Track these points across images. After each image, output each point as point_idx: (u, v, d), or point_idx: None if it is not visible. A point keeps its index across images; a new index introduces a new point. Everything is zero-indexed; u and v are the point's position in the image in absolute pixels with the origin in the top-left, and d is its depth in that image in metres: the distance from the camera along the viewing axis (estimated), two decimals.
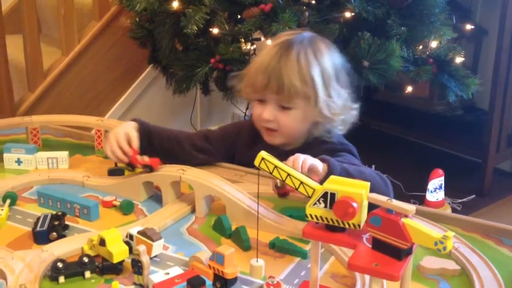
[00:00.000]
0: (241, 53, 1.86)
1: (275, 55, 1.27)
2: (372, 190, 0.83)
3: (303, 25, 1.72)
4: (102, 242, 0.97)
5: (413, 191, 2.52)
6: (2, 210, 1.16)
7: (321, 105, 1.26)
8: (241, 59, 1.86)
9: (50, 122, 1.59)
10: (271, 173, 0.90)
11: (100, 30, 2.55)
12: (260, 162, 0.90)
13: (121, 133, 1.31)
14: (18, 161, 1.39)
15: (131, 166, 1.27)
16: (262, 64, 1.28)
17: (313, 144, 1.31)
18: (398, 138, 3.15)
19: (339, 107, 1.29)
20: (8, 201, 1.20)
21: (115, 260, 0.96)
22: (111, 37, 2.59)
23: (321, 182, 0.93)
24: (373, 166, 2.70)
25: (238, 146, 1.43)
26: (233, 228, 1.11)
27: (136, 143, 1.31)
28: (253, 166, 1.37)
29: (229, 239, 1.10)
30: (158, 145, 1.36)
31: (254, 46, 1.92)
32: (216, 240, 1.10)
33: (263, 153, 0.91)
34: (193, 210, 1.20)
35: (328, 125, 1.31)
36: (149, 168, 1.23)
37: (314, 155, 1.14)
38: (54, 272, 0.94)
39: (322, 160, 1.14)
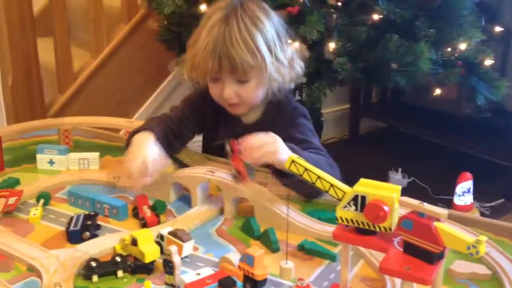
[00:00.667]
0: None
1: (218, 35, 1.29)
2: None
3: (330, 27, 1.72)
4: (134, 242, 0.99)
5: (440, 194, 2.50)
6: (36, 209, 1.19)
7: (271, 71, 1.32)
8: None
9: (81, 123, 1.62)
10: (301, 176, 0.91)
11: (128, 33, 2.59)
12: (290, 165, 0.91)
13: (141, 160, 1.20)
14: (51, 162, 1.42)
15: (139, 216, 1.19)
16: (208, 47, 1.29)
17: (270, 116, 1.39)
18: (425, 140, 3.12)
19: (287, 66, 1.35)
20: (41, 201, 1.23)
21: (147, 260, 0.97)
22: (139, 39, 2.62)
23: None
24: (400, 169, 2.70)
25: (205, 116, 1.46)
26: (261, 229, 1.12)
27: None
28: (219, 134, 1.42)
29: (258, 240, 1.11)
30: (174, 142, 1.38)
31: None
32: (245, 242, 1.11)
33: (293, 156, 0.91)
34: (221, 212, 1.21)
35: (280, 84, 1.36)
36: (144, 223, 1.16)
37: (274, 127, 1.24)
38: (88, 271, 0.96)
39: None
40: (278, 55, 1.33)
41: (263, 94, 1.37)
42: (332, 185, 0.87)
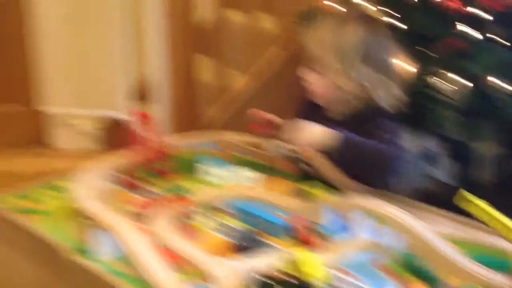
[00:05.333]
0: None
1: None
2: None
3: None
4: (300, 263, 1.01)
5: None
6: (203, 218, 1.26)
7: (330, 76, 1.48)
8: None
9: (243, 141, 1.65)
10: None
11: (287, 58, 2.64)
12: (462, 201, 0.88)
13: None
14: (213, 175, 1.49)
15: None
16: None
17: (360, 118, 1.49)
18: None
19: (355, 84, 1.46)
20: (207, 210, 1.30)
21: (314, 281, 0.99)
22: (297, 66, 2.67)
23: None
24: None
25: None
26: (420, 266, 1.10)
27: None
28: None
29: (417, 277, 1.09)
30: None
31: None
32: (404, 277, 1.09)
33: (465, 193, 0.88)
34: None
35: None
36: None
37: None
38: (258, 285, 1.00)
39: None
40: (347, 68, 1.45)
41: (336, 94, 1.50)
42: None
